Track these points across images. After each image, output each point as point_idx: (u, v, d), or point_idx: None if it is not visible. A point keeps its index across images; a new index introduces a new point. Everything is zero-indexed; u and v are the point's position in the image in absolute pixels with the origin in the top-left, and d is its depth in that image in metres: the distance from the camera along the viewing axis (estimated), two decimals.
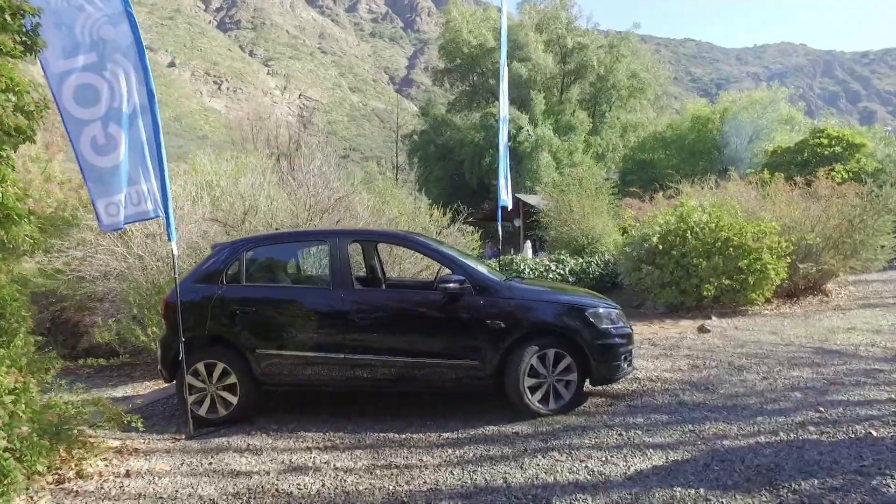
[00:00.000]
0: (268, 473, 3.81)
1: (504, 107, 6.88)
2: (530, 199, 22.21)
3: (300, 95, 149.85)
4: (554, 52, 30.60)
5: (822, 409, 4.32)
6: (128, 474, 3.88)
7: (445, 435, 4.36)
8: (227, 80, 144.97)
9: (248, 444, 4.39)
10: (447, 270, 4.79)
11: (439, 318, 4.66)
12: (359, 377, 4.71)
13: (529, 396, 4.53)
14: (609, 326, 4.67)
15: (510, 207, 7.29)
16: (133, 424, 4.24)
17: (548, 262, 12.65)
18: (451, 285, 4.53)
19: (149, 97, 4.56)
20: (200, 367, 4.84)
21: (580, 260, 13.11)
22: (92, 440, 4.43)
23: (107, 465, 4.05)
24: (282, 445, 4.35)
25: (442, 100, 36.18)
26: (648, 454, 3.64)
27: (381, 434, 4.46)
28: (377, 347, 4.66)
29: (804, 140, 20.25)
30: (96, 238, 7.84)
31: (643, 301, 10.90)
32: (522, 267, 12.06)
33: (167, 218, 4.61)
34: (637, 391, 5.14)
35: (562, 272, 12.49)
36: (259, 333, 4.79)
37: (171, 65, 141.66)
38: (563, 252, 13.72)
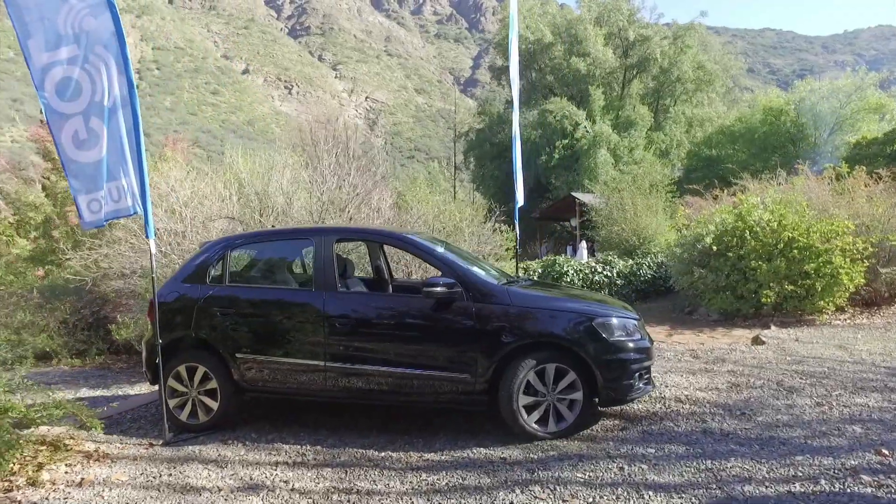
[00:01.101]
0: (220, 490, 3.48)
1: (515, 92, 6.23)
2: (586, 198, 21.25)
3: (366, 98, 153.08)
4: (614, 46, 29.24)
5: (885, 451, 3.49)
6: (80, 483, 3.66)
7: (427, 456, 3.89)
8: (297, 84, 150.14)
9: (219, 455, 4.08)
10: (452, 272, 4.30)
11: (426, 326, 4.19)
12: (340, 388, 4.31)
13: (524, 417, 3.97)
14: (621, 339, 4.04)
15: (521, 204, 6.63)
16: (94, 429, 4.03)
17: (594, 264, 11.87)
18: (438, 289, 4.05)
19: (129, 88, 4.37)
20: (182, 370, 4.61)
21: (630, 262, 12.23)
22: (67, 442, 4.29)
23: (67, 472, 3.85)
24: (251, 458, 4.02)
25: (501, 98, 35.56)
26: (646, 498, 3.01)
27: (360, 451, 4.04)
28: (359, 356, 4.25)
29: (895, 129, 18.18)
30: (126, 235, 7.90)
31: (696, 307, 9.96)
32: (565, 269, 11.37)
33: (146, 214, 4.39)
34: (659, 413, 4.46)
35: (609, 275, 11.69)
36: (239, 337, 4.49)
37: (245, 72, 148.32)
38: (611, 253, 12.87)
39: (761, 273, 8.29)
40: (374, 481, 3.53)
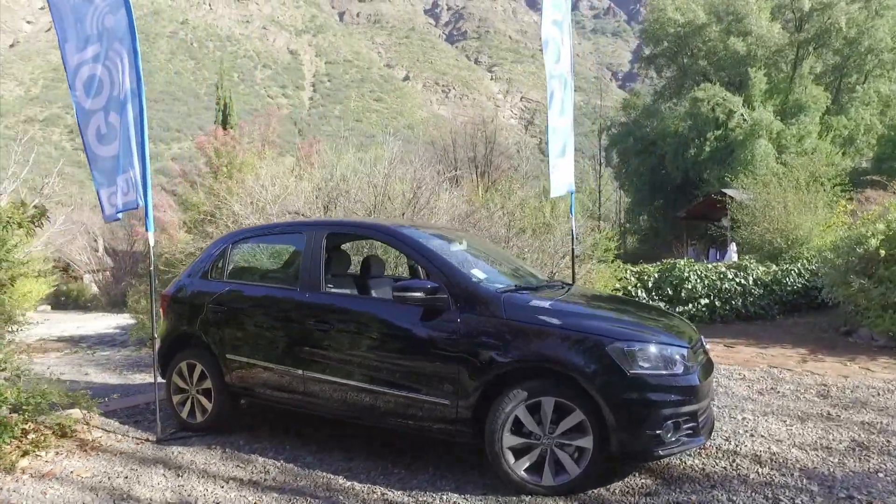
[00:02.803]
0: (150, 503, 3.14)
1: (551, 66, 4.97)
2: (738, 195, 18.52)
3: (521, 98, 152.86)
4: (783, 20, 25.22)
5: None
6: (43, 476, 3.57)
7: (390, 495, 3.20)
8: (454, 88, 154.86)
9: (188, 461, 3.79)
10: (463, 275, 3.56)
11: (402, 337, 3.49)
12: (320, 400, 3.79)
13: (510, 462, 3.09)
14: (648, 372, 2.97)
15: (553, 193, 5.25)
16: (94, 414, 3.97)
17: (723, 269, 10.03)
18: (413, 294, 3.32)
19: (137, 82, 4.32)
20: (184, 366, 4.43)
21: (774, 268, 10.16)
22: (75, 428, 4.30)
23: (47, 461, 3.81)
24: (215, 469, 3.66)
25: (649, 90, 32.88)
26: None
27: (328, 476, 3.48)
28: (336, 367, 3.68)
29: None
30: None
31: (855, 327, 7.87)
32: (686, 274, 9.74)
33: (146, 207, 4.28)
34: (715, 475, 3.26)
35: (742, 282, 9.81)
36: (229, 335, 4.18)
37: (406, 78, 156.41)
38: (749, 257, 10.82)
39: None
40: None
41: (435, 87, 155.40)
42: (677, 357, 3.08)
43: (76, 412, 4.61)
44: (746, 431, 4.00)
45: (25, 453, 3.84)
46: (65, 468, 3.71)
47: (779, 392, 5.13)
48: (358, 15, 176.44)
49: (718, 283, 9.77)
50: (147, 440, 4.25)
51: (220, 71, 31.32)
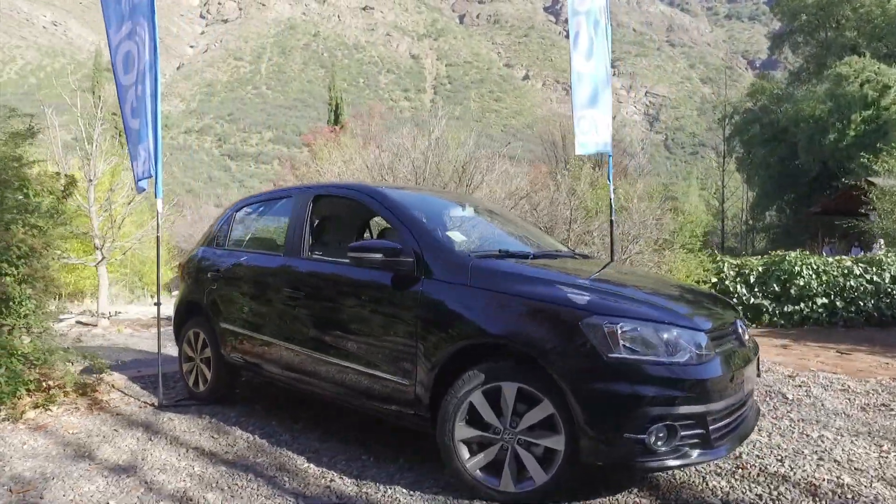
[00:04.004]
0: (101, 465, 3.01)
1: (576, 2, 4.13)
2: (888, 182, 15.84)
3: (646, 93, 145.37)
4: None
5: None
6: (37, 429, 3.63)
7: (339, 482, 2.82)
8: None
9: (172, 428, 3.68)
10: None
11: (363, 305, 3.06)
12: (293, 373, 3.49)
13: (463, 458, 2.55)
14: (633, 357, 2.29)
15: (579, 150, 4.21)
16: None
17: (849, 264, 8.43)
18: (371, 255, 2.88)
19: (153, 53, 4.35)
20: (191, 335, 4.37)
21: None
22: (96, 388, 4.40)
23: (52, 416, 3.87)
24: (188, 438, 3.50)
25: (783, 74, 29.44)
26: None
27: (291, 456, 3.18)
28: (304, 337, 3.36)
29: None
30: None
31: None
32: (798, 268, 8.30)
33: (156, 175, 4.28)
34: (748, 501, 2.48)
35: (876, 279, 8.18)
36: (223, 304, 4.02)
37: (525, 77, 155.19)
38: (889, 250, 9.00)
39: None
40: (234, 493, 2.65)
41: (555, 84, 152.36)
42: (683, 342, 2.35)
43: (106, 375, 4.77)
44: (815, 453, 3.09)
45: (36, 406, 3.96)
46: (61, 424, 3.75)
47: (891, 411, 4.03)
48: (478, 16, 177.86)
49: (841, 280, 8.23)
50: (149, 405, 4.23)
51: (332, 73, 32.96)
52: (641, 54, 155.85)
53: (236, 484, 2.80)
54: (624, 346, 2.29)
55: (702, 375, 2.31)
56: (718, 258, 8.95)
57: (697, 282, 7.69)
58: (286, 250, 3.63)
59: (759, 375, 2.90)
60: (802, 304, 8.15)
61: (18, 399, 3.93)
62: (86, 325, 9.04)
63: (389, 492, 2.67)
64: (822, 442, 3.28)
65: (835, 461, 2.97)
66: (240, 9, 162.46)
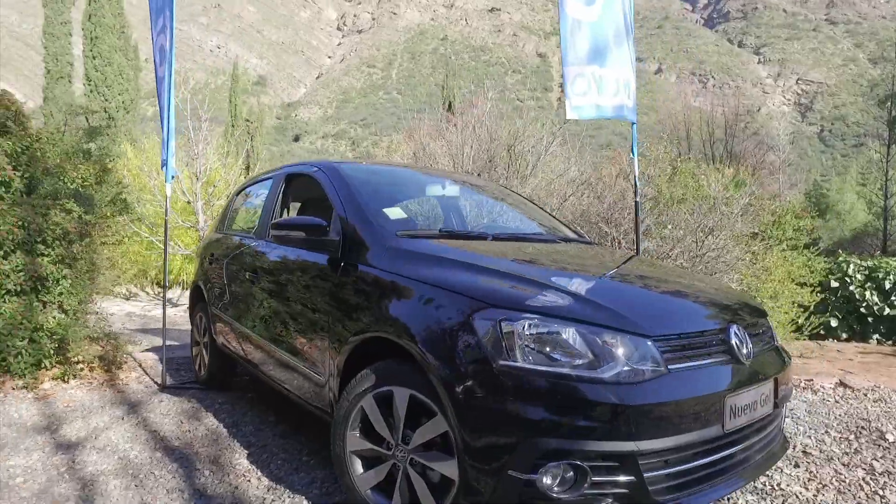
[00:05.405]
0: (64, 440, 3.05)
1: None
2: None
3: (798, 80, 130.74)
4: None
5: None
6: (38, 399, 3.81)
7: (254, 482, 2.59)
8: (712, 76, 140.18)
9: (152, 409, 3.70)
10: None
11: (295, 290, 2.77)
12: (252, 361, 3.32)
13: (355, 472, 2.16)
14: (531, 367, 1.75)
15: (569, 115, 3.17)
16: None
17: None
18: (292, 233, 2.59)
19: (170, 44, 4.43)
20: (198, 318, 4.41)
21: None
22: (121, 364, 4.59)
23: (63, 388, 4.07)
24: (158, 420, 3.48)
25: None
26: None
27: (234, 448, 3.04)
28: (255, 321, 3.17)
29: None
30: None
31: None
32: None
33: (166, 160, 4.35)
34: None
35: None
36: (214, 287, 3.99)
37: (658, 71, 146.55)
38: None
39: None
40: (141, 482, 2.51)
41: (691, 77, 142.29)
42: (620, 352, 1.78)
43: (138, 354, 4.98)
44: None
45: (55, 378, 4.19)
46: (65, 397, 3.92)
47: None
48: None
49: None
50: (156, 384, 4.32)
51: (447, 71, 33.32)
52: (793, 37, 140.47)
53: (153, 473, 2.67)
54: (526, 349, 1.77)
55: (631, 400, 1.71)
56: (842, 258, 7.51)
57: (802, 285, 6.46)
58: (256, 232, 3.49)
59: (776, 405, 2.17)
60: None
61: (42, 371, 4.18)
62: (175, 306, 9.77)
63: (294, 498, 2.37)
64: None
65: None
66: (373, 19, 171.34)
